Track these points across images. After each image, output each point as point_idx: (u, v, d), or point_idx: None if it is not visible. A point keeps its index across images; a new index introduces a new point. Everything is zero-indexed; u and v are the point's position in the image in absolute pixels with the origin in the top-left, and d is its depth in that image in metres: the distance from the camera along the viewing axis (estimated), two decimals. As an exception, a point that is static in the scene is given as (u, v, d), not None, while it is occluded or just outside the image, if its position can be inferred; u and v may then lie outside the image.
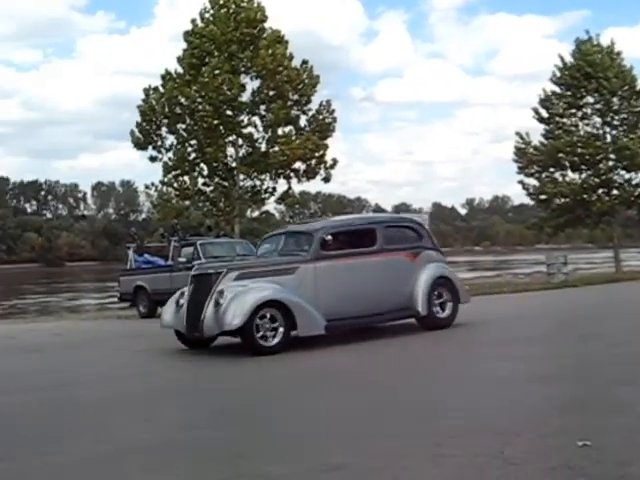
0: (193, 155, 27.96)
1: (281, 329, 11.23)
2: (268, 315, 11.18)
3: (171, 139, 28.06)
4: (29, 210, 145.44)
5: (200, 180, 28.09)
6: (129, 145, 28.33)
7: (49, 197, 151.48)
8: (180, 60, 27.74)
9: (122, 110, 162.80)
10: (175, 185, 27.84)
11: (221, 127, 27.26)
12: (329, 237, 12.12)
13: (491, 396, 7.27)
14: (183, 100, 27.24)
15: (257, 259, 13.58)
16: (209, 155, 27.08)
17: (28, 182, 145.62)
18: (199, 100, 26.80)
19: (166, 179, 27.83)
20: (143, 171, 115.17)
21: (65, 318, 24.22)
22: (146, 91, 27.84)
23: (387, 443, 5.62)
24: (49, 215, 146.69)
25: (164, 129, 27.94)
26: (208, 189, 28.32)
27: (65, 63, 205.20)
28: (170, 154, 27.78)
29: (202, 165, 28.06)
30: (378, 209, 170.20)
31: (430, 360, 10.42)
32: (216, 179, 28.22)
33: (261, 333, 11.07)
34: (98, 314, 25.50)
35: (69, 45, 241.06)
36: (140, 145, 27.85)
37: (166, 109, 27.33)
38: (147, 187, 29.63)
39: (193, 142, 27.88)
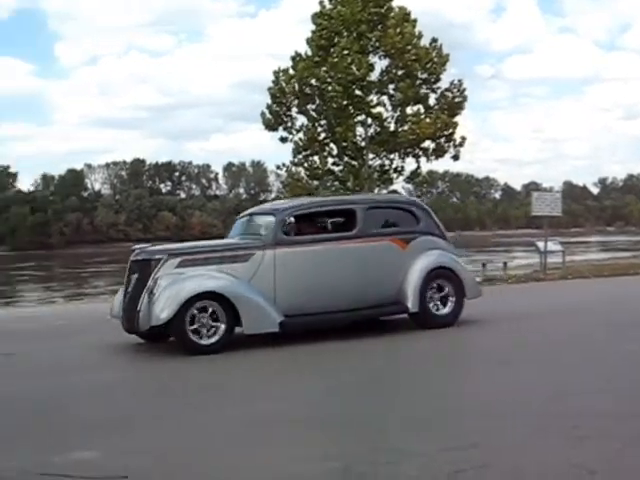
0: (323, 135, 28.16)
1: (222, 326, 9.77)
2: (207, 309, 9.75)
3: (301, 120, 28.35)
4: (164, 190, 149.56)
5: (330, 160, 28.30)
6: (259, 127, 28.74)
7: (183, 178, 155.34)
8: (309, 42, 27.90)
9: (252, 92, 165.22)
10: (305, 165, 28.17)
11: (350, 107, 27.33)
12: (291, 219, 10.51)
13: (625, 379, 7.12)
14: (313, 81, 27.44)
15: (205, 244, 12.18)
16: (339, 135, 27.22)
17: (163, 163, 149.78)
18: (329, 80, 26.92)
19: (296, 159, 28.17)
20: (272, 152, 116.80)
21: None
22: (276, 73, 28.16)
23: (525, 422, 5.57)
24: (183, 195, 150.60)
25: (294, 110, 28.24)
26: (337, 169, 28.50)
27: (197, 48, 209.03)
28: (300, 135, 28.08)
29: (331, 145, 28.23)
30: (507, 188, 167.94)
31: (576, 339, 10.15)
32: (345, 159, 28.36)
33: (195, 328, 9.64)
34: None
35: (200, 30, 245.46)
36: (271, 126, 28.23)
37: (296, 90, 27.61)
38: (278, 167, 30.14)
39: (323, 122, 28.08)
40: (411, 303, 10.90)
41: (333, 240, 10.94)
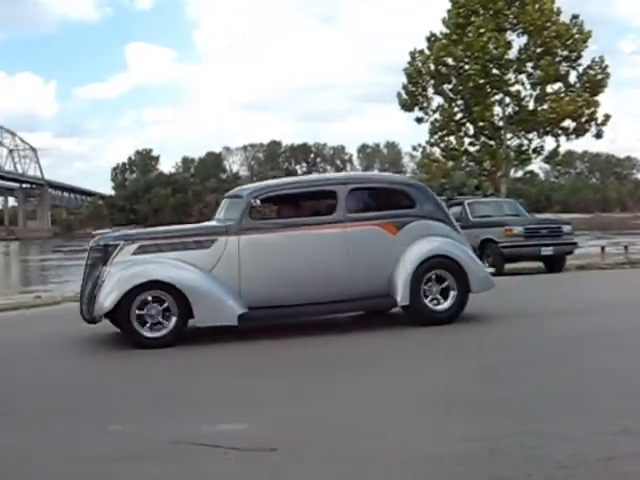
0: (459, 115, 27.91)
1: (173, 317, 9.05)
2: (159, 299, 9.02)
3: (437, 100, 28.18)
4: (299, 172, 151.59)
5: (466, 140, 28.03)
6: (394, 108, 28.69)
7: (318, 159, 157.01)
8: (445, 21, 27.64)
9: (388, 74, 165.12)
10: (441, 145, 27.97)
11: (487, 86, 26.95)
12: (258, 202, 9.62)
13: None
14: (450, 60, 27.19)
15: (167, 229, 11.20)
16: (476, 114, 26.92)
17: (298, 145, 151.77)
18: (465, 60, 26.59)
19: (433, 140, 28.02)
20: (407, 133, 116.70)
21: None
22: (412, 54, 28.05)
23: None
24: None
25: (430, 90, 28.06)
26: (474, 149, 28.19)
27: (332, 30, 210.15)
28: (436, 115, 27.89)
29: (468, 125, 27.97)
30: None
31: None
32: (482, 139, 28.04)
33: (142, 319, 8.99)
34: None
35: (335, 13, 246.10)
36: (407, 107, 28.16)
37: (432, 70, 27.38)
38: (414, 148, 30.15)
39: (459, 102, 27.82)
40: (400, 296, 9.64)
41: (308, 225, 9.87)
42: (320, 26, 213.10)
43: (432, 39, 27.75)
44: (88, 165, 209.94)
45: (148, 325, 8.97)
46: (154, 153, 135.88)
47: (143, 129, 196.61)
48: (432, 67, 27.54)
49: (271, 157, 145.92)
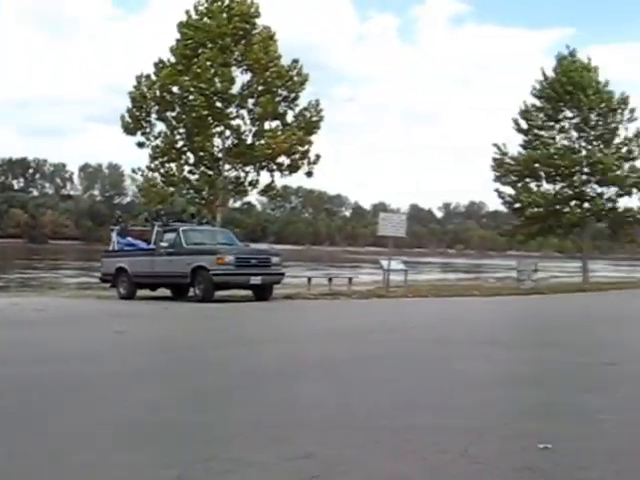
0: (181, 143, 27.91)
1: None
2: None
3: (160, 126, 27.98)
4: (16, 187, 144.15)
5: (186, 168, 28.05)
6: (118, 130, 28.13)
7: (37, 175, 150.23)
8: (173, 50, 27.60)
9: (115, 95, 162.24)
10: (161, 171, 27.78)
11: (210, 117, 27.20)
12: None
13: (461, 395, 7.26)
14: (175, 89, 27.15)
15: None
16: (197, 144, 27.06)
17: (17, 159, 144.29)
18: (191, 90, 26.69)
19: (153, 165, 27.75)
20: (130, 155, 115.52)
21: (46, 294, 24.04)
22: (138, 78, 27.69)
23: (357, 435, 5.61)
24: (36, 193, 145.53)
25: (153, 116, 27.83)
26: (193, 177, 28.28)
27: (64, 45, 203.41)
28: (158, 141, 27.69)
29: (189, 154, 28.03)
30: (357, 207, 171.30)
31: (402, 355, 10.34)
32: (202, 168, 28.20)
33: None
34: (78, 292, 25.30)
35: (70, 30, 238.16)
36: (129, 130, 27.70)
37: (157, 96, 27.22)
38: (134, 171, 29.58)
39: (182, 130, 27.82)
40: None
41: None
42: (51, 39, 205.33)
43: (160, 65, 27.59)
44: None
45: None
46: None
47: None
48: (157, 93, 27.35)
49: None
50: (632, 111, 34.63)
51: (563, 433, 5.71)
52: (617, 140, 34.65)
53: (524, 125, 34.96)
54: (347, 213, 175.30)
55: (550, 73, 34.69)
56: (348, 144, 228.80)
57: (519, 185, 34.80)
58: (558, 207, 34.18)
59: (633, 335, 13.31)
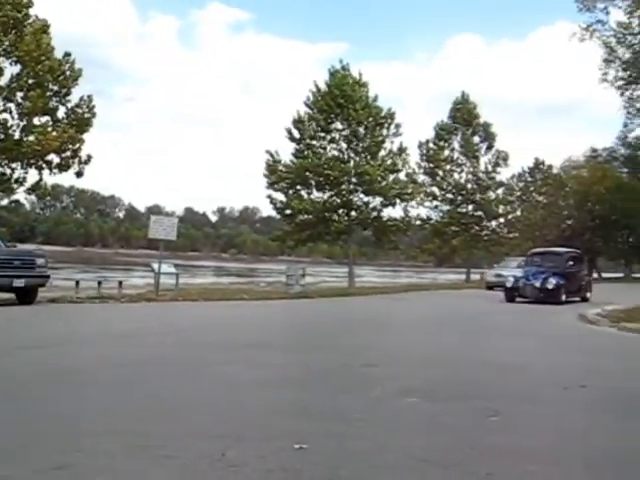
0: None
1: None
2: None
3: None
4: None
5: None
6: None
7: None
8: None
9: None
10: None
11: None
12: None
13: (219, 399, 7.26)
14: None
15: None
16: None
17: None
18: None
19: None
20: None
21: None
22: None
23: (114, 442, 5.47)
24: None
25: None
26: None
27: None
28: None
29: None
30: (131, 208, 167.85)
31: (163, 359, 10.19)
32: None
33: None
34: None
35: None
36: None
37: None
38: None
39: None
40: None
41: None
42: None
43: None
44: None
45: None
46: None
47: None
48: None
49: None
50: (397, 126, 36.62)
51: (319, 433, 5.89)
52: (383, 153, 36.40)
53: (297, 134, 35.83)
54: (121, 215, 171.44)
55: (323, 86, 35.83)
56: (127, 144, 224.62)
57: (290, 192, 35.61)
58: (327, 215, 35.32)
59: (390, 338, 13.96)
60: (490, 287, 36.88)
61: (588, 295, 29.35)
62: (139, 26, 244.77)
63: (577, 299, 28.16)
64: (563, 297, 26.91)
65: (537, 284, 27.05)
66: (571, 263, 29.45)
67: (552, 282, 26.80)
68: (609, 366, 11.10)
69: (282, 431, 5.91)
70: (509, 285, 28.00)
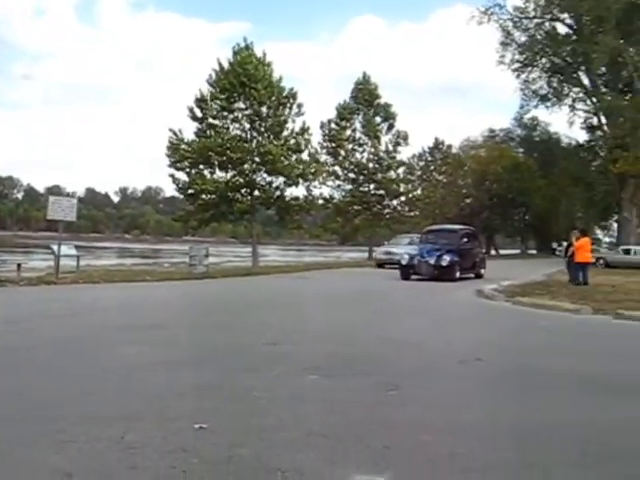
0: None
1: None
2: None
3: None
4: None
5: None
6: None
7: None
8: None
9: None
10: None
11: None
12: None
13: (119, 382, 7.19)
14: None
15: None
16: None
17: None
18: None
19: None
20: None
21: None
22: None
23: (13, 428, 5.35)
24: None
25: None
26: None
27: None
28: None
29: None
30: (30, 189, 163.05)
31: (55, 342, 9.84)
32: None
33: None
34: None
35: None
36: None
37: None
38: None
39: None
40: None
41: None
42: None
43: None
44: None
45: None
46: None
47: None
48: None
49: None
50: (300, 106, 36.59)
51: (220, 412, 5.91)
52: (286, 133, 36.34)
53: (199, 113, 35.40)
54: (19, 196, 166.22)
55: (226, 64, 35.46)
56: (25, 123, 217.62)
57: (193, 172, 35.22)
58: (230, 194, 35.09)
59: (291, 317, 13.99)
60: (380, 265, 36.69)
61: (482, 272, 29.59)
62: (36, 1, 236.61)
63: (471, 276, 28.42)
64: (457, 274, 26.95)
65: (432, 261, 26.95)
66: (465, 240, 29.56)
67: (446, 259, 26.74)
68: (504, 340, 11.46)
69: (183, 411, 5.89)
70: (404, 262, 27.80)
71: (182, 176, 35.43)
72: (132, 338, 10.19)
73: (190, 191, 35.35)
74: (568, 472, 4.78)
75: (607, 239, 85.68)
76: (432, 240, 29.05)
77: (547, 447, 5.25)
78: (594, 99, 57.58)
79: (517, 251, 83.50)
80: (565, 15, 57.97)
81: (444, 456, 4.96)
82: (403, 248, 32.62)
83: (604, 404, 6.74)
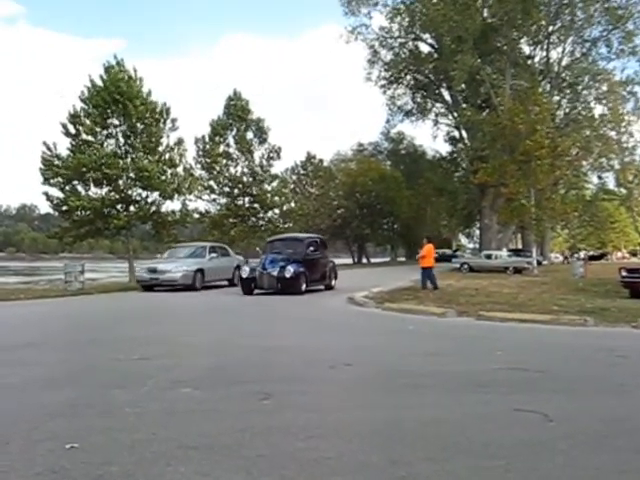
0: None
1: None
2: None
3: None
4: None
5: None
6: None
7: None
8: None
9: None
10: None
11: None
12: None
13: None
14: None
15: None
16: None
17: None
18: None
19: None
20: None
21: None
22: None
23: None
24: None
25: None
26: None
27: None
28: None
29: None
30: None
31: None
32: None
33: None
34: None
35: None
36: None
37: None
38: None
39: None
40: None
41: None
42: None
43: None
44: None
45: None
46: None
47: None
48: None
49: None
50: (174, 121, 36.14)
51: (90, 430, 5.70)
52: (161, 148, 35.79)
53: (72, 130, 34.40)
54: None
55: (99, 81, 34.62)
56: None
57: (67, 188, 34.18)
58: (106, 210, 34.24)
59: (164, 331, 13.62)
60: (146, 287, 27.27)
61: (333, 283, 27.28)
62: None
63: (321, 287, 26.14)
64: (304, 286, 24.38)
65: (274, 273, 24.09)
66: (312, 249, 26.44)
67: (290, 270, 24.02)
68: (373, 344, 11.63)
69: (52, 432, 5.64)
70: (245, 275, 24.76)
71: (56, 193, 34.34)
72: (3, 358, 9.75)
73: (65, 208, 34.27)
74: (429, 466, 4.85)
75: (471, 245, 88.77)
76: (277, 250, 26.02)
77: (412, 444, 5.34)
78: (455, 114, 59.59)
79: (387, 259, 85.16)
80: (427, 35, 59.80)
81: (315, 461, 4.94)
82: (180, 261, 27.88)
83: (464, 401, 6.93)
